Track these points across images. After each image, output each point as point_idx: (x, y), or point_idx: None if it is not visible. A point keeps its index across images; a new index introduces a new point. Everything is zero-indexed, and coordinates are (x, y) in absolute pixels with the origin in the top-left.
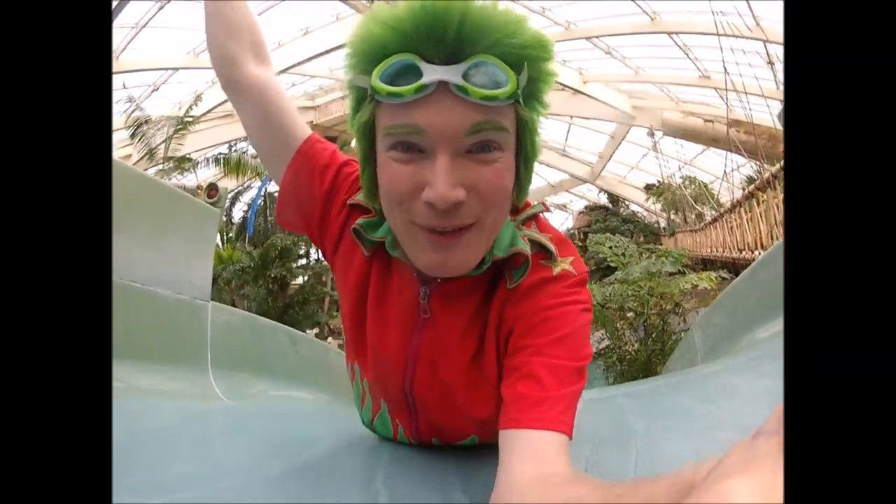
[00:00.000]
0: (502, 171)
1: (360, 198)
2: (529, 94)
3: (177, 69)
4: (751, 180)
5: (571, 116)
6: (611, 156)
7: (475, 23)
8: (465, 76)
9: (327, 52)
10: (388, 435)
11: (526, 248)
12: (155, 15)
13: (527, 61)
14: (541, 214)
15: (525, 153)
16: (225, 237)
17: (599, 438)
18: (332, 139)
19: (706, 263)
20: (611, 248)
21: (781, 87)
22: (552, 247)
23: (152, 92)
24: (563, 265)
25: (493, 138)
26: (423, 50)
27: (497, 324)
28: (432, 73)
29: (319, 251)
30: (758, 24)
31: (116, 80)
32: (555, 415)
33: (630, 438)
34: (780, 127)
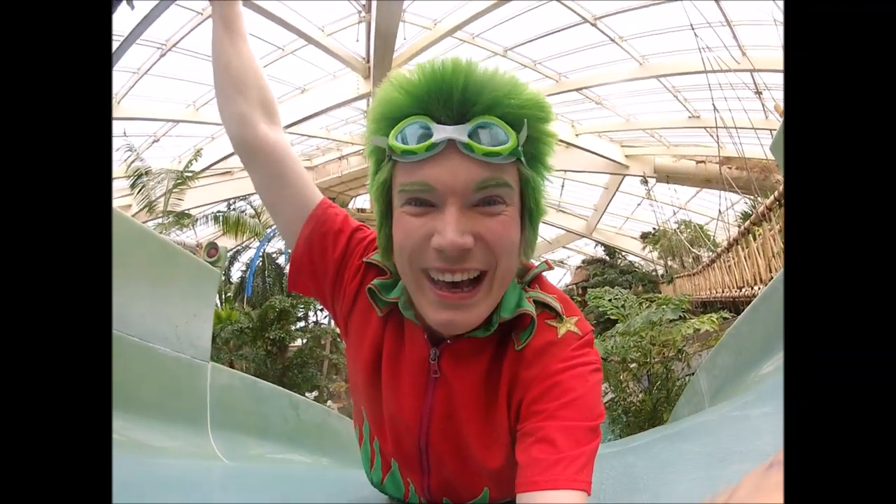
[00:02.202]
0: (507, 223)
1: (375, 257)
2: (532, 156)
3: (177, 122)
4: (746, 216)
5: (565, 171)
6: (605, 208)
7: (477, 84)
8: (470, 135)
9: (324, 111)
10: (399, 495)
11: (531, 309)
12: (156, 62)
13: (526, 120)
14: (543, 274)
15: (529, 209)
16: (223, 297)
17: (610, 492)
18: (330, 200)
19: (706, 306)
20: (610, 300)
21: (771, 117)
22: (558, 305)
23: (153, 143)
24: (569, 325)
25: (498, 193)
26: (434, 111)
27: (508, 387)
28: (441, 133)
29: (322, 314)
30: (744, 54)
31: (117, 127)
32: (571, 473)
33: (641, 489)
34: (772, 157)
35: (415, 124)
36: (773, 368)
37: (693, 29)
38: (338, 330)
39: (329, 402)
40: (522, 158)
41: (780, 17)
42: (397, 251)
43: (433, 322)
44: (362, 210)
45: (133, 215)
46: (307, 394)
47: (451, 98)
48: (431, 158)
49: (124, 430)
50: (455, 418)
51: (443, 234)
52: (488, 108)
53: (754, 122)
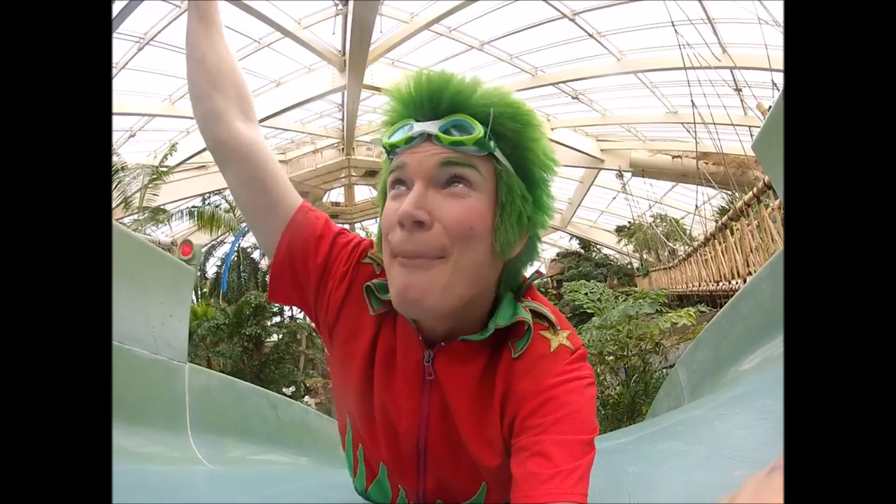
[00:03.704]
0: (470, 209)
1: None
2: (514, 159)
3: (153, 116)
4: (723, 211)
5: None
6: (580, 201)
7: (443, 86)
8: (442, 129)
9: (299, 104)
10: (386, 501)
11: (528, 317)
12: (133, 57)
13: (495, 119)
14: (533, 284)
15: (501, 203)
16: (198, 293)
17: (596, 495)
18: (304, 194)
19: (682, 299)
20: (586, 294)
21: (750, 113)
22: (552, 316)
23: (129, 138)
24: (561, 339)
25: (463, 174)
26: (419, 114)
27: (501, 397)
28: (418, 128)
29: (298, 309)
30: (724, 51)
31: None
32: (568, 487)
33: (627, 490)
34: (750, 153)
35: (402, 124)
36: (752, 365)
37: (674, 25)
38: (313, 325)
39: (306, 398)
40: (497, 154)
41: (764, 15)
42: (380, 236)
43: (396, 300)
44: (336, 204)
45: None
46: (284, 389)
47: (426, 100)
48: (411, 148)
49: None
50: (449, 420)
51: (401, 206)
52: (456, 106)
53: (733, 119)
